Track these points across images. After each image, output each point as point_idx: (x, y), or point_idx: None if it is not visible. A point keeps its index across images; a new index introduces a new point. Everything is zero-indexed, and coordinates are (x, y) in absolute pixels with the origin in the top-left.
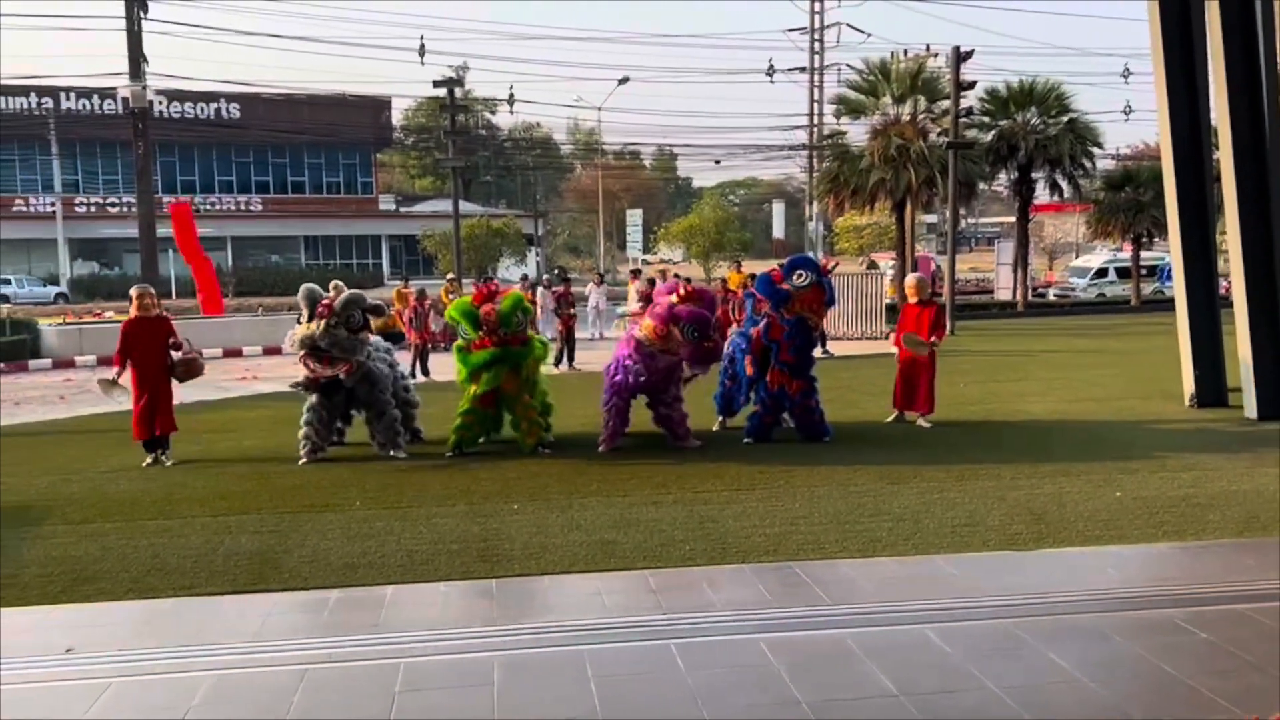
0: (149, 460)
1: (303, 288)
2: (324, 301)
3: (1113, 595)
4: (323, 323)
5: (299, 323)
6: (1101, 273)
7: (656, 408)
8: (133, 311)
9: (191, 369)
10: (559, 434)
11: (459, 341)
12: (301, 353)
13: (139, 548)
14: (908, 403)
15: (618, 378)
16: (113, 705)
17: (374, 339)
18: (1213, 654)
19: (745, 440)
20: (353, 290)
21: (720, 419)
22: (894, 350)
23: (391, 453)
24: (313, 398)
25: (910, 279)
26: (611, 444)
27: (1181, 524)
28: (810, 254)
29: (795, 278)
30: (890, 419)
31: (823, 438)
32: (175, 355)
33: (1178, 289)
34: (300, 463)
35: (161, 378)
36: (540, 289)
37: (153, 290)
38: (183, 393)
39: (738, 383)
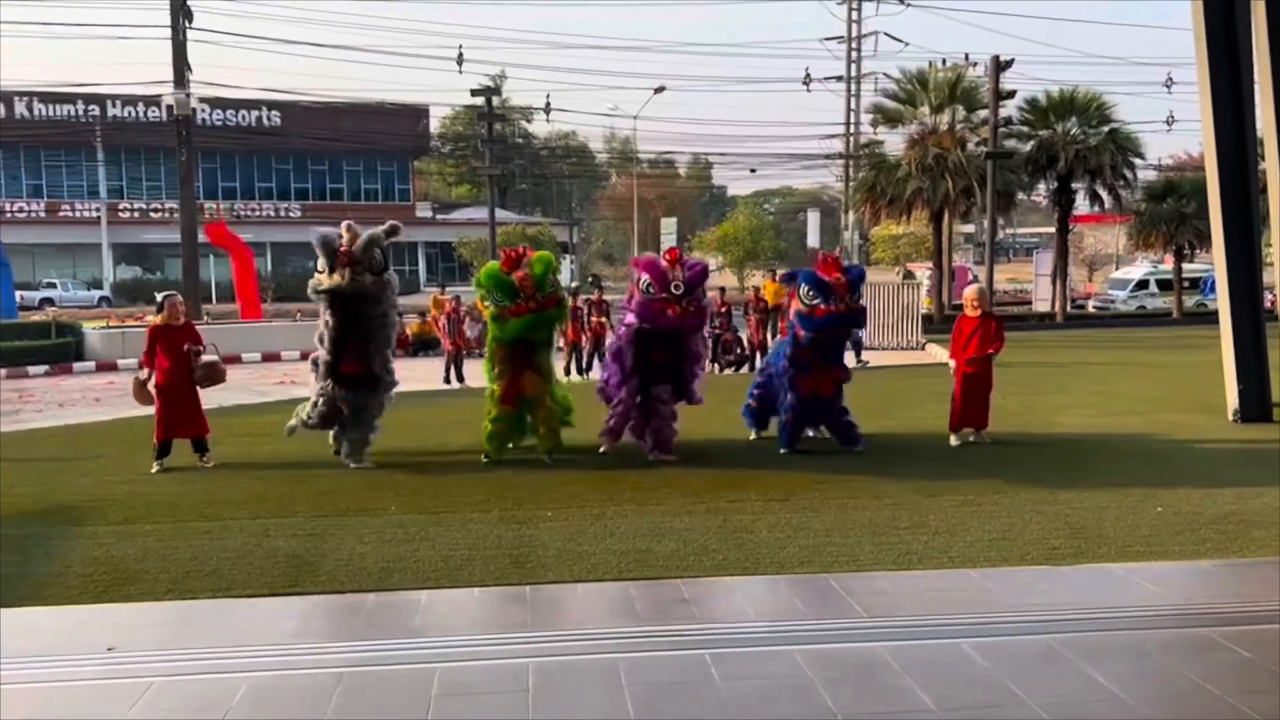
0: (155, 468)
1: (316, 234)
2: (342, 248)
3: (1154, 612)
4: (347, 271)
5: (318, 272)
6: (1142, 284)
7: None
8: (159, 318)
9: (213, 374)
10: (594, 441)
11: (491, 310)
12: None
13: (179, 549)
14: (970, 419)
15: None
16: (153, 704)
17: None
18: (1255, 674)
19: (781, 450)
20: (369, 231)
21: (754, 430)
22: (945, 364)
23: (352, 464)
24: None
25: (970, 290)
26: (615, 439)
27: (1224, 541)
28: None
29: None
30: (956, 443)
31: (856, 445)
32: (196, 361)
33: (1221, 301)
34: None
35: (187, 383)
36: None
37: (179, 297)
38: (222, 397)
39: (773, 392)
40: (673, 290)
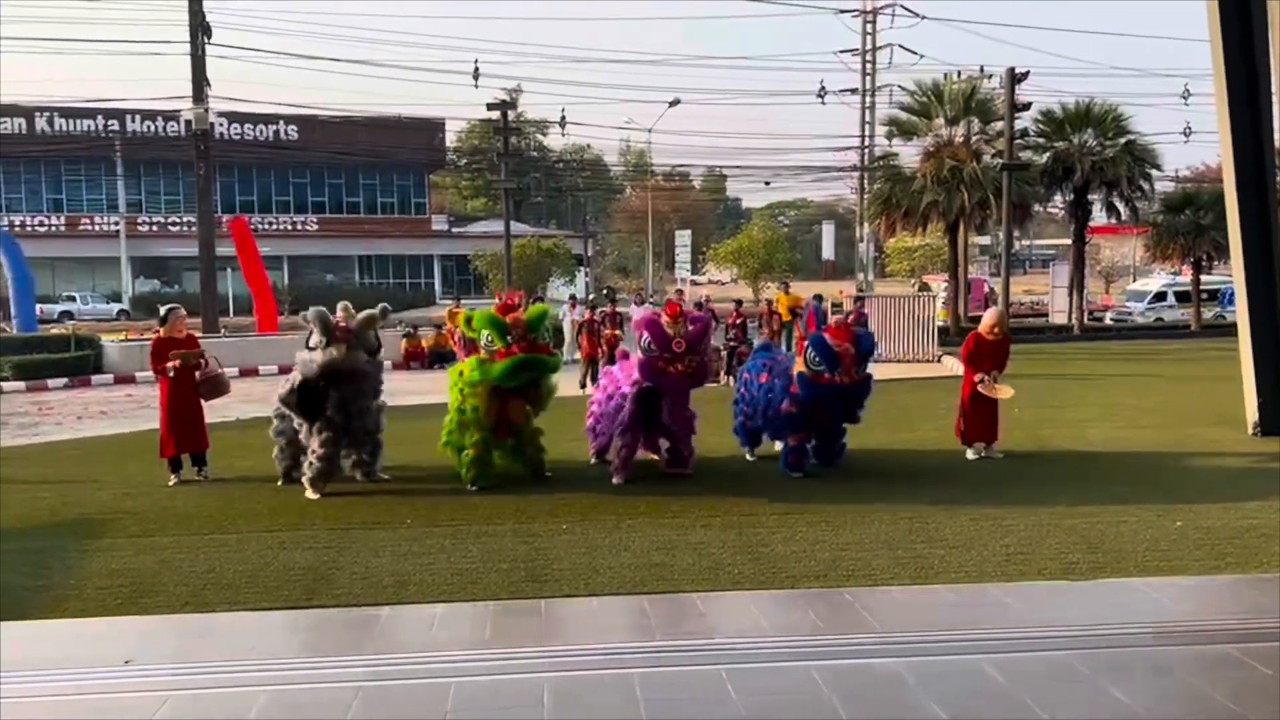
0: (173, 480)
1: (313, 311)
2: (340, 325)
3: (1173, 628)
4: (343, 347)
5: (308, 347)
6: (1160, 296)
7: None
8: (164, 332)
9: (215, 387)
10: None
11: (479, 360)
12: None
13: (196, 561)
14: (980, 434)
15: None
16: (171, 718)
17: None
18: (1277, 691)
19: (783, 471)
20: (366, 311)
21: (748, 451)
22: (958, 376)
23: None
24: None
25: (991, 315)
26: (626, 471)
27: (1244, 556)
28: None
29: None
30: (973, 456)
31: (835, 463)
32: (198, 375)
33: (1240, 314)
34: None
35: (190, 397)
36: (564, 307)
37: (183, 311)
38: (240, 410)
39: (756, 410)
40: (674, 350)
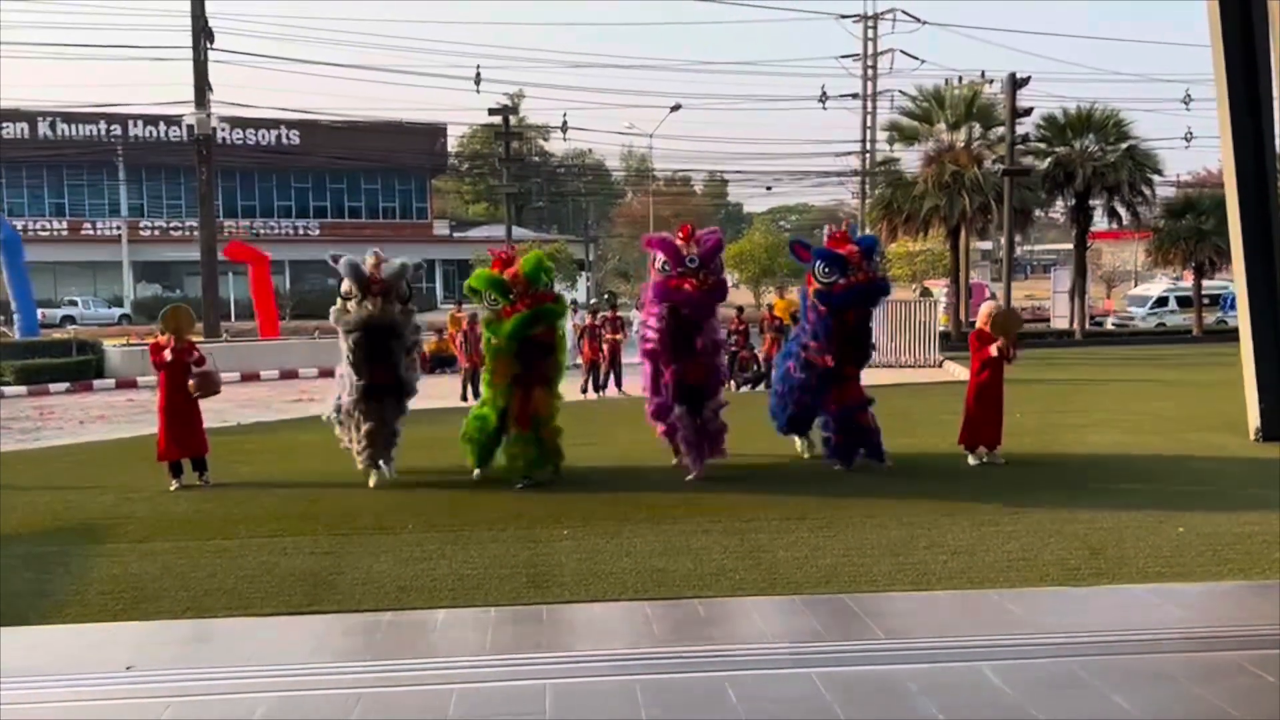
0: (174, 485)
1: (344, 261)
2: (372, 275)
3: (1176, 635)
4: (379, 300)
5: (341, 297)
6: (1162, 301)
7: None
8: (161, 339)
9: (206, 384)
10: (608, 459)
11: (486, 315)
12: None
13: (197, 567)
14: (983, 438)
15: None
16: None
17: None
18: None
19: (827, 463)
20: (394, 261)
21: (801, 443)
22: (963, 382)
23: (379, 469)
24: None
25: (987, 307)
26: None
27: (1248, 561)
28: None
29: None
30: (974, 462)
31: (845, 464)
32: (193, 370)
33: (1241, 318)
34: (370, 480)
35: (188, 401)
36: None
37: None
38: (240, 414)
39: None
40: (688, 264)
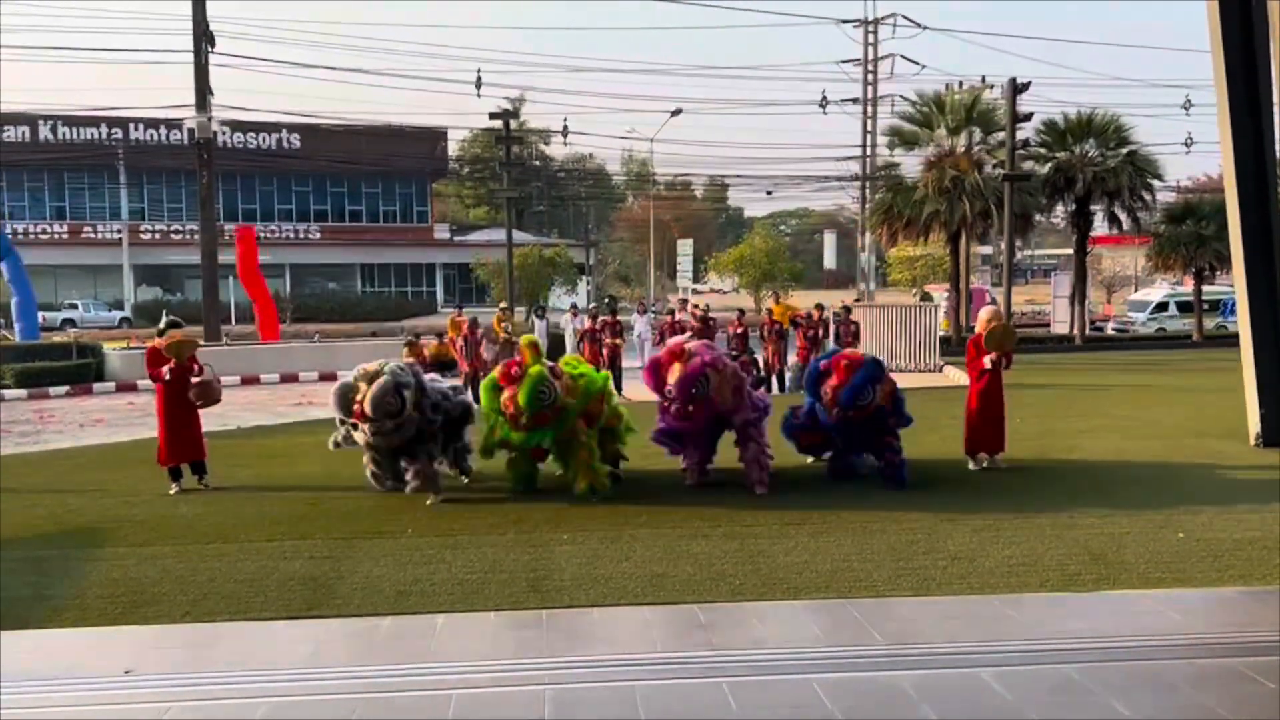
0: (174, 489)
1: (336, 389)
2: (355, 407)
3: (1177, 641)
4: (368, 427)
5: (341, 424)
6: (1162, 307)
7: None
8: (162, 341)
9: (206, 393)
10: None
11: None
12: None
13: (197, 571)
14: (985, 443)
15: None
16: None
17: (435, 382)
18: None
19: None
20: (378, 384)
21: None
22: (963, 386)
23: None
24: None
25: (986, 312)
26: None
27: (1248, 567)
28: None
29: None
30: (975, 467)
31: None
32: (192, 379)
33: (1242, 324)
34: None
35: (187, 406)
36: (566, 316)
37: (180, 322)
38: (240, 418)
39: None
40: (666, 395)
